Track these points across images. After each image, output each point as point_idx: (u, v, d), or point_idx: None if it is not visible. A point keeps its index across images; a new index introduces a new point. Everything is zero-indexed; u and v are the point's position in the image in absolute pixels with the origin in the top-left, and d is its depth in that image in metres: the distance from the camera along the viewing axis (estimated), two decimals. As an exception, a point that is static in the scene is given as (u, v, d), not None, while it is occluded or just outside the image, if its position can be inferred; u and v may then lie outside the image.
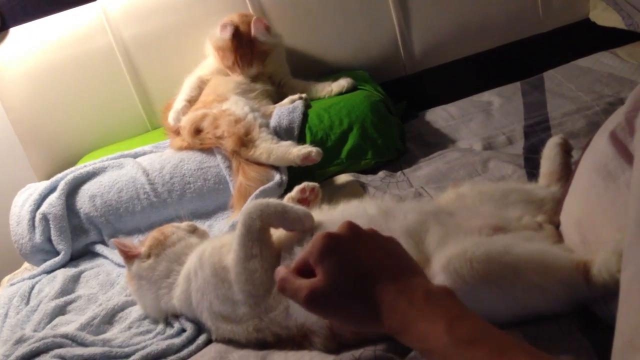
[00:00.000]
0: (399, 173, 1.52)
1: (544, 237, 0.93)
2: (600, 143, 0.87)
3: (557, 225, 0.97)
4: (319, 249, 0.66)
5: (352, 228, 0.69)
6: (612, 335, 0.57)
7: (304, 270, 0.68)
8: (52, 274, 1.44)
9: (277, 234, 0.99)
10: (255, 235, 0.94)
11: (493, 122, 1.67)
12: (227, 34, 1.72)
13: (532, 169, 1.29)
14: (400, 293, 0.62)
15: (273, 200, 0.98)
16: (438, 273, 0.83)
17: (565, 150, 1.11)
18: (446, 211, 1.00)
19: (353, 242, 0.68)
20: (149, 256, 1.11)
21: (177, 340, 1.06)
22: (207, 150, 1.61)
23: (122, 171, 1.60)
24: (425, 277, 0.68)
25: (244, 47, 1.74)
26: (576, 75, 1.78)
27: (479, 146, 1.55)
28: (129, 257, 1.11)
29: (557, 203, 1.01)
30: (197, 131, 1.62)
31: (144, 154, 1.71)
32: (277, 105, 1.72)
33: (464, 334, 0.57)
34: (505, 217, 0.98)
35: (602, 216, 0.84)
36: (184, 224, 1.20)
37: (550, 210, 1.02)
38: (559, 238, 0.94)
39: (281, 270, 0.69)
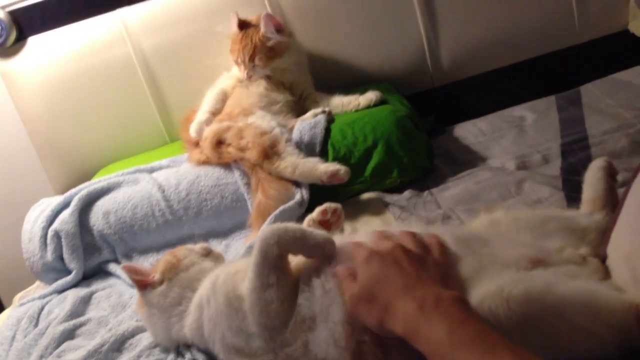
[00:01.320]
0: (426, 193, 1.44)
1: (589, 273, 0.85)
2: (654, 169, 0.79)
3: (602, 259, 0.89)
4: (361, 259, 0.79)
5: (394, 249, 0.80)
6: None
7: None
8: (63, 294, 1.39)
9: (295, 261, 0.92)
10: (272, 263, 0.86)
11: (527, 139, 1.57)
12: (233, 25, 1.67)
13: (571, 192, 1.20)
14: (414, 300, 0.70)
15: (291, 225, 0.90)
16: None
17: (610, 174, 1.02)
18: (479, 238, 0.92)
19: (390, 259, 0.78)
20: (161, 282, 1.04)
21: (188, 373, 0.99)
22: (225, 166, 1.55)
23: (137, 187, 1.55)
24: (444, 287, 0.73)
25: (248, 41, 1.67)
26: (615, 90, 1.68)
27: (512, 165, 1.46)
28: (142, 286, 1.05)
29: (603, 233, 0.92)
30: (219, 143, 1.56)
31: (160, 168, 1.65)
32: (299, 119, 1.65)
33: (463, 338, 0.63)
34: (544, 249, 0.90)
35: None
36: (198, 247, 1.14)
37: (594, 241, 0.93)
38: (606, 274, 0.85)
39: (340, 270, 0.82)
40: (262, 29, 1.67)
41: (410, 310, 0.69)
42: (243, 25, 1.69)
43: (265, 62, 1.69)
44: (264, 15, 1.68)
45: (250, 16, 1.74)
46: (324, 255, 0.88)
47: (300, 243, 0.87)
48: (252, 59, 1.68)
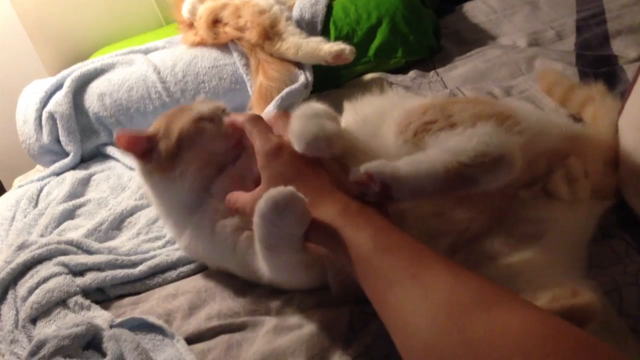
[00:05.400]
0: (431, 73, 1.38)
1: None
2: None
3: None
4: (266, 153, 0.72)
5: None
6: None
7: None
8: (62, 176, 1.37)
9: None
10: None
11: (540, 16, 1.49)
12: None
13: (585, 67, 1.14)
14: (335, 203, 0.66)
15: None
16: None
17: None
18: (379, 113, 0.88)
19: (296, 154, 0.72)
20: None
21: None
22: (222, 46, 1.47)
23: (132, 68, 1.49)
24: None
25: None
26: (639, -39, 1.56)
27: (523, 42, 1.38)
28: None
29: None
30: (215, 22, 1.48)
31: (156, 49, 1.58)
32: (300, -4, 1.56)
33: (388, 243, 0.60)
34: None
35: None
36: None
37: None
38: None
39: (233, 195, 0.76)
40: None
41: (330, 213, 0.65)
42: None
43: None
44: None
45: None
46: None
47: None
48: None
